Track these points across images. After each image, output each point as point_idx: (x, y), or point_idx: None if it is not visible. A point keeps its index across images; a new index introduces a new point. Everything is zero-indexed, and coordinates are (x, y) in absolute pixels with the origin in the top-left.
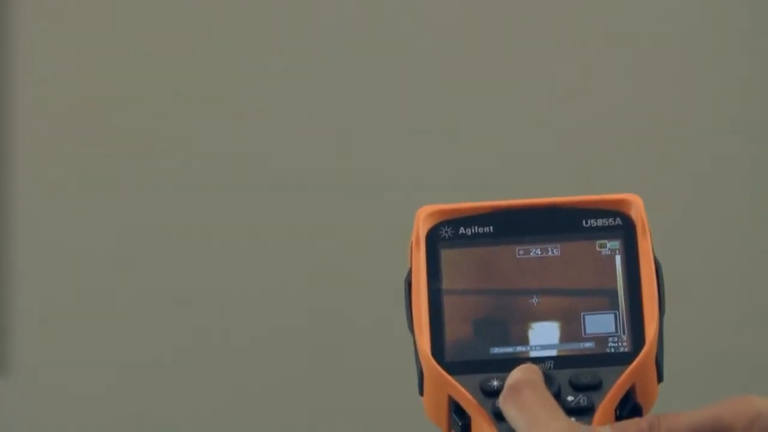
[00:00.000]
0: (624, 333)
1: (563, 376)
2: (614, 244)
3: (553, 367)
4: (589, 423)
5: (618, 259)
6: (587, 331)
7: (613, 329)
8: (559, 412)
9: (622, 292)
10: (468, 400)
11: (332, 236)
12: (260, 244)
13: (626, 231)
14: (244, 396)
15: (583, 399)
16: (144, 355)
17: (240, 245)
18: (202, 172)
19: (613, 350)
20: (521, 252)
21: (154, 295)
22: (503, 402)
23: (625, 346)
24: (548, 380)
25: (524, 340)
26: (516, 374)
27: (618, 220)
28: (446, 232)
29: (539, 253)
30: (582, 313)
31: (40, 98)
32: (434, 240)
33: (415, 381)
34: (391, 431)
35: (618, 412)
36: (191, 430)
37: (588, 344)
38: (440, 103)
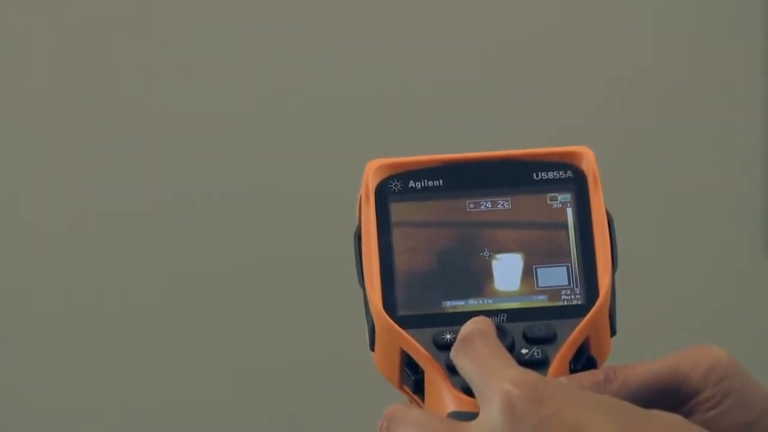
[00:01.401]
0: (577, 286)
1: (516, 329)
2: (565, 197)
3: (506, 320)
4: (544, 375)
5: (569, 211)
6: (540, 284)
7: (565, 282)
8: (512, 361)
9: (574, 245)
10: (421, 353)
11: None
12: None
13: (578, 184)
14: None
15: (537, 352)
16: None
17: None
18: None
19: (566, 303)
20: (471, 205)
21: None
22: (455, 354)
23: (578, 299)
24: (501, 333)
25: (476, 293)
26: (467, 326)
27: (569, 173)
28: (396, 185)
29: (489, 206)
30: (534, 266)
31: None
32: (384, 193)
33: (365, 336)
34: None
35: (572, 365)
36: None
37: (541, 297)
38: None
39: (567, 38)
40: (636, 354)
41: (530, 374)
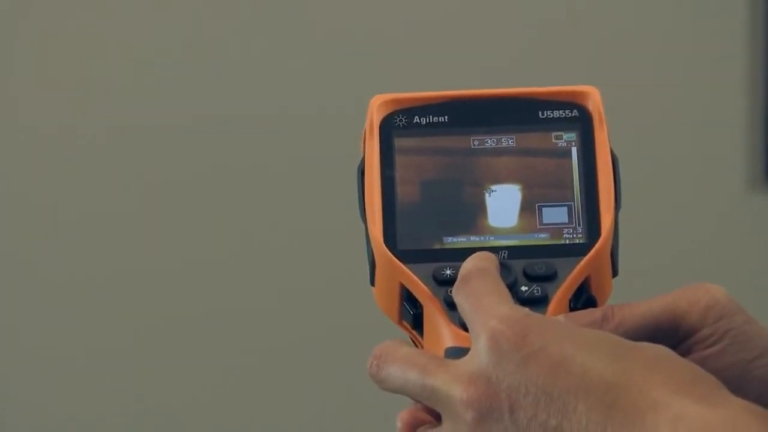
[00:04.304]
0: (579, 224)
1: (517, 266)
2: (570, 136)
3: (507, 257)
4: (543, 313)
5: (574, 151)
6: (542, 222)
7: (567, 220)
8: (505, 298)
9: (577, 184)
10: (420, 288)
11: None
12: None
13: (583, 123)
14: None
15: (537, 289)
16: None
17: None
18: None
19: (568, 241)
20: (476, 142)
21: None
22: (455, 291)
23: (580, 238)
24: (504, 270)
25: (478, 230)
26: (468, 263)
27: (575, 112)
28: (400, 120)
29: (494, 143)
30: (537, 204)
31: None
32: (388, 128)
33: (367, 271)
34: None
35: (572, 303)
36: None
37: (543, 235)
38: None
39: None
40: (619, 293)
41: (519, 310)
